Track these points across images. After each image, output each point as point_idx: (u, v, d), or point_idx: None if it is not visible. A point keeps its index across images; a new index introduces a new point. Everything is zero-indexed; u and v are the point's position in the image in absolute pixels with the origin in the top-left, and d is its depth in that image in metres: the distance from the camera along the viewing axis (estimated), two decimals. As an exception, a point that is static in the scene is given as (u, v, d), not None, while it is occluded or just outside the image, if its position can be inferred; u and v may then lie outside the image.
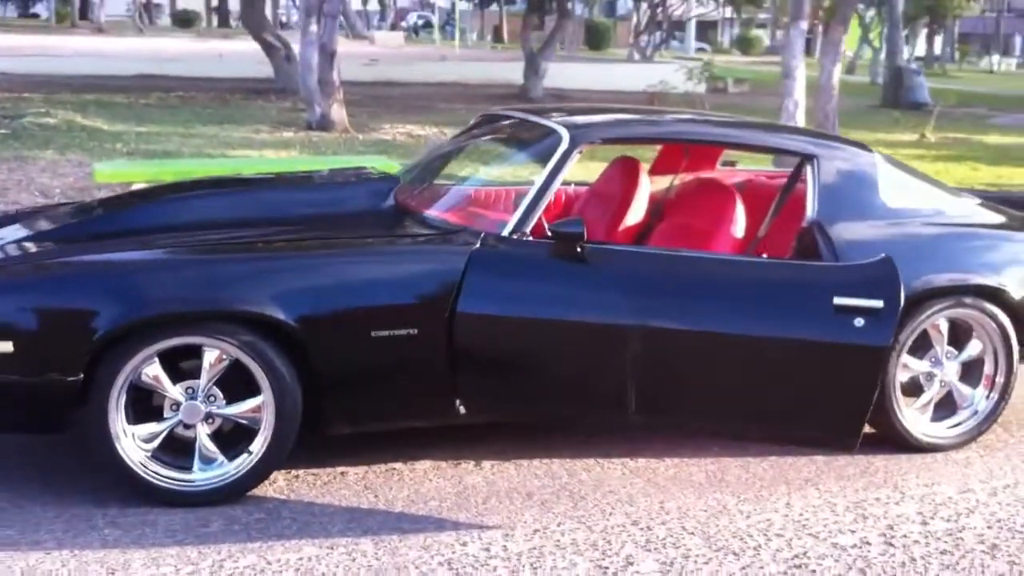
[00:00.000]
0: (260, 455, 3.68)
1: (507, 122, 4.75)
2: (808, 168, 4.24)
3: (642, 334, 3.70)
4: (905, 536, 3.62)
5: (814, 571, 3.35)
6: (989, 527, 3.72)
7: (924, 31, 43.65)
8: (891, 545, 3.55)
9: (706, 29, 64.34)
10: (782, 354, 3.62)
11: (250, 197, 4.45)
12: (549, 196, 3.98)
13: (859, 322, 3.54)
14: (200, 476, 3.68)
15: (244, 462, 3.69)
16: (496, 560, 3.36)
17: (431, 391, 3.83)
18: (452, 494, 3.84)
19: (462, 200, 4.52)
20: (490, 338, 3.77)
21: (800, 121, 9.45)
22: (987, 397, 4.39)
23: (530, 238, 3.88)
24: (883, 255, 3.68)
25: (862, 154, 4.40)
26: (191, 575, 3.19)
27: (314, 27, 12.32)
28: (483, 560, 3.35)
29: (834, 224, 4.12)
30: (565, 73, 20.67)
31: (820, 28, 25.92)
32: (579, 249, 3.75)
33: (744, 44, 55.94)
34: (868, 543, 3.56)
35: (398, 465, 4.05)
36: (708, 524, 3.64)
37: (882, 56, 26.12)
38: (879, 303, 3.54)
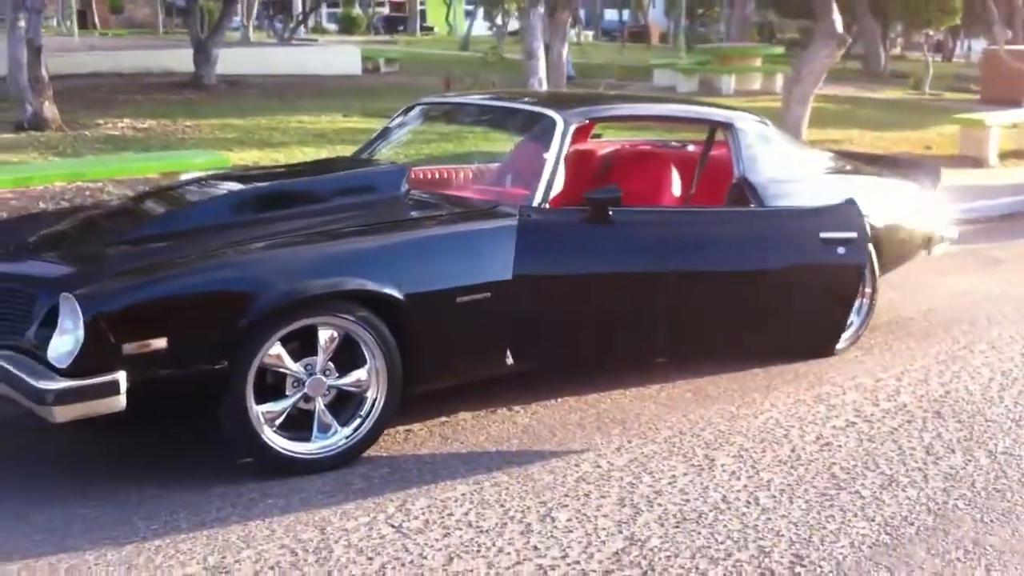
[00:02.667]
0: (374, 418, 4.09)
1: (478, 109, 5.34)
2: (729, 134, 5.19)
3: (668, 278, 4.49)
4: (871, 414, 4.68)
5: (840, 446, 4.32)
6: (917, 399, 4.87)
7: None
8: (869, 421, 4.59)
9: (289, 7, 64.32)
10: (783, 280, 4.56)
11: (277, 190, 4.68)
12: (559, 171, 4.64)
13: (841, 250, 4.56)
14: (318, 444, 4.02)
15: (357, 427, 4.08)
16: (615, 471, 4.03)
17: (491, 346, 4.40)
18: (522, 432, 4.43)
19: (471, 180, 5.05)
20: (540, 295, 4.39)
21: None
22: (862, 308, 5.57)
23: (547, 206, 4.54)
24: (848, 198, 4.72)
25: (760, 121, 5.42)
26: (370, 524, 3.59)
27: (22, 22, 11.68)
28: (605, 473, 4.01)
29: (755, 178, 5.10)
30: (228, 60, 20.48)
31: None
32: (609, 213, 4.46)
33: (348, 23, 56.85)
34: (853, 423, 4.58)
35: (463, 415, 4.56)
36: (738, 423, 4.51)
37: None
38: (853, 234, 4.58)
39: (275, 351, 3.86)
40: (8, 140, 11.34)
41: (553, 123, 4.72)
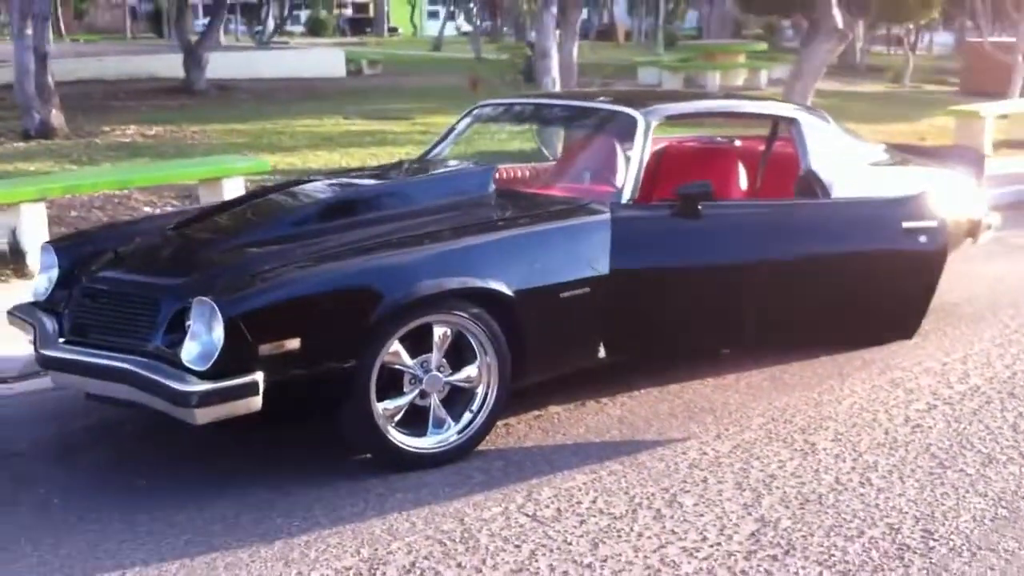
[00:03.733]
0: (486, 412, 4.18)
1: (556, 110, 5.46)
2: (793, 128, 5.32)
3: (759, 270, 4.62)
4: (949, 396, 4.83)
5: (930, 428, 4.46)
6: (988, 381, 5.03)
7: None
8: (950, 403, 4.75)
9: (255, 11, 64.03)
10: (867, 268, 4.71)
11: (372, 192, 4.74)
12: (643, 167, 4.75)
13: (922, 239, 4.71)
14: (434, 440, 4.12)
15: (469, 421, 4.17)
16: (723, 458, 4.15)
17: (587, 340, 4.50)
18: (618, 423, 4.54)
19: (553, 178, 5.15)
20: (634, 288, 4.50)
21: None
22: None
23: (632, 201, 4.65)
24: (924, 190, 4.87)
25: (820, 116, 5.56)
26: (505, 513, 3.69)
27: (29, 30, 11.63)
28: (714, 460, 4.13)
29: (821, 170, 5.24)
30: (214, 64, 20.44)
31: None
32: (699, 207, 4.58)
33: (316, 25, 56.73)
34: (934, 405, 4.73)
35: (554, 408, 4.67)
36: (824, 409, 4.65)
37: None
38: (934, 223, 4.74)
39: (394, 349, 3.95)
40: (20, 149, 11.32)
41: (634, 121, 4.84)
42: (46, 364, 4.00)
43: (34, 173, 9.83)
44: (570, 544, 3.46)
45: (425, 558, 3.37)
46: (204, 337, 3.65)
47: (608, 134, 5.12)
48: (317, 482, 3.94)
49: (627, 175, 4.70)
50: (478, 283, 4.05)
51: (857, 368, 5.21)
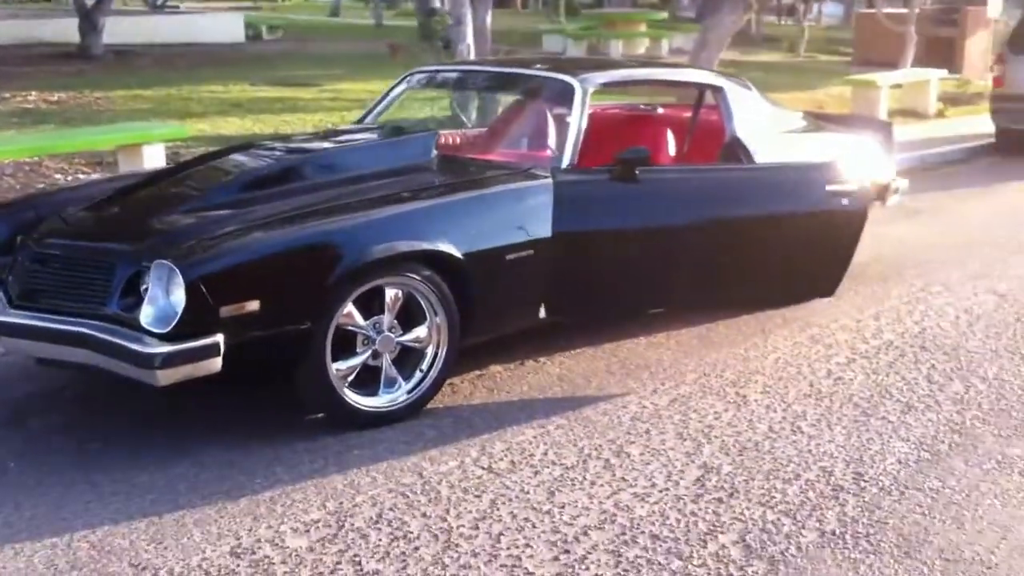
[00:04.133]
0: (436, 371, 4.31)
1: (490, 75, 5.56)
2: (719, 96, 5.53)
3: (693, 232, 4.84)
4: (866, 351, 5.12)
5: (851, 380, 4.74)
6: (900, 336, 5.35)
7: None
8: (867, 357, 5.04)
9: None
10: (794, 229, 4.97)
11: (321, 157, 4.80)
12: (581, 133, 4.90)
13: (844, 201, 4.98)
14: (385, 399, 4.24)
15: (419, 380, 4.30)
16: (663, 410, 4.35)
17: (529, 301, 4.66)
18: (558, 381, 4.72)
19: (491, 144, 5.27)
20: (574, 250, 4.66)
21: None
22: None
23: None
24: (845, 154, 5.13)
25: (744, 84, 5.79)
26: (461, 467, 3.84)
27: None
28: (654, 412, 4.33)
29: (745, 136, 5.47)
30: (109, 28, 19.90)
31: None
32: (636, 172, 4.76)
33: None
34: (853, 359, 5.01)
35: (495, 367, 4.82)
36: (751, 364, 4.90)
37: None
38: (853, 186, 5.01)
39: (347, 311, 4.05)
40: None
41: (572, 88, 4.98)
42: (-4, 329, 3.99)
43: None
44: (527, 493, 3.62)
45: (390, 509, 3.50)
46: (162, 300, 3.70)
47: (546, 101, 5.26)
48: (274, 442, 4.03)
49: (566, 141, 4.85)
50: (429, 246, 4.17)
51: (778, 325, 5.48)
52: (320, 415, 4.19)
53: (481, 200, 4.49)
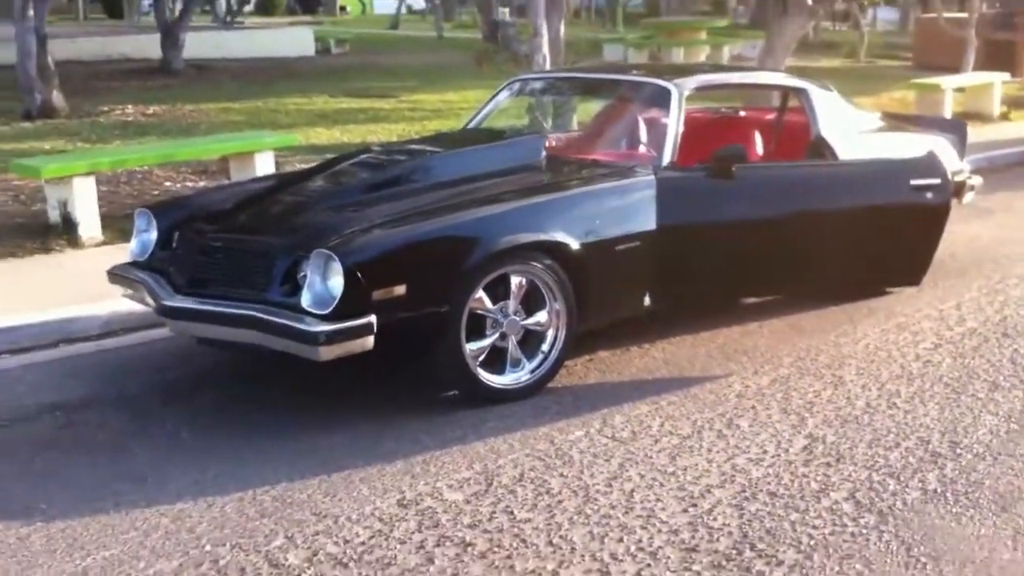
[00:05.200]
0: (555, 353, 4.72)
1: (590, 82, 6.00)
2: (803, 98, 5.90)
3: (788, 225, 5.22)
4: (951, 337, 5.45)
5: (939, 363, 5.07)
6: (982, 324, 5.66)
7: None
8: (952, 343, 5.36)
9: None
10: (884, 222, 5.32)
11: (443, 159, 5.24)
12: (679, 133, 5.29)
13: (929, 195, 5.33)
14: (510, 378, 4.65)
15: (541, 361, 4.71)
16: (765, 389, 4.72)
17: (636, 290, 5.06)
18: (664, 364, 5.10)
19: (593, 145, 5.69)
20: (676, 242, 5.05)
21: (548, 72, 11.08)
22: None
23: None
24: (929, 150, 5.47)
25: (826, 87, 6.15)
26: (587, 436, 4.23)
27: (31, 11, 11.89)
28: (757, 391, 4.70)
29: (830, 135, 5.82)
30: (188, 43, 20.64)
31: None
32: (733, 168, 5.14)
33: (267, 4, 56.48)
34: (939, 344, 5.34)
35: (603, 353, 5.21)
36: (843, 350, 5.25)
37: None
38: (938, 180, 5.36)
39: (479, 296, 4.47)
40: (28, 129, 11.61)
41: (669, 92, 5.38)
42: (169, 314, 4.46)
43: (49, 151, 10.16)
44: (651, 458, 4.01)
45: (530, 470, 3.90)
46: (319, 285, 4.15)
47: (644, 105, 5.67)
48: (415, 416, 4.45)
49: (665, 141, 5.24)
50: (550, 237, 4.58)
51: (864, 315, 5.81)
52: (449, 393, 4.60)
53: (593, 196, 4.90)
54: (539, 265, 4.59)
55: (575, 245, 4.66)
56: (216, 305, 4.35)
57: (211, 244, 4.58)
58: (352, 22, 43.92)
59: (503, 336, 4.59)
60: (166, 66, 18.58)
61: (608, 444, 4.15)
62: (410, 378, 4.78)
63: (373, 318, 4.12)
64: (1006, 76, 15.33)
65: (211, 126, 11.88)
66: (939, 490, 3.72)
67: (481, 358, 4.55)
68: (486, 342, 4.55)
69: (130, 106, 13.32)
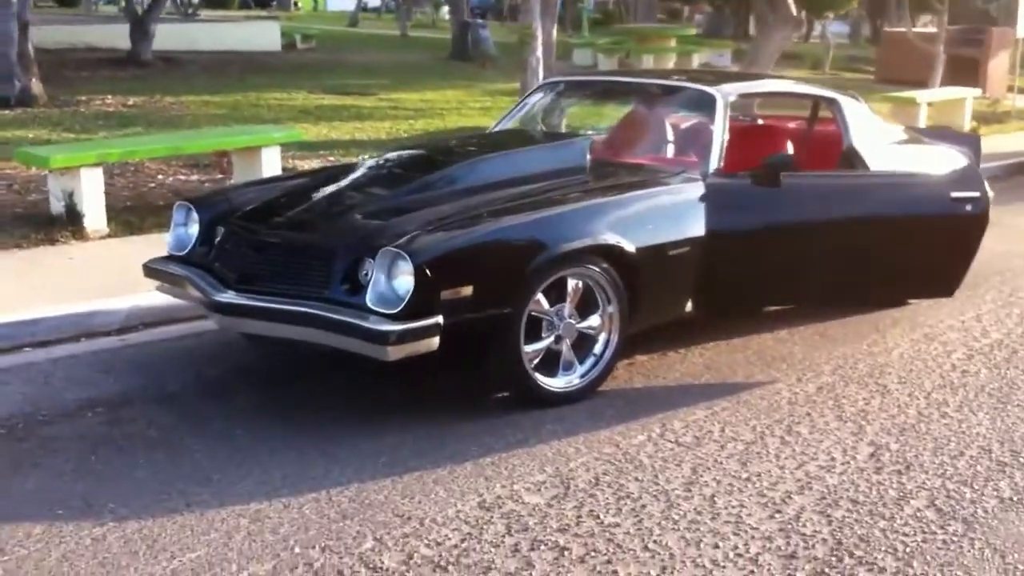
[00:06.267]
0: (607, 357, 4.69)
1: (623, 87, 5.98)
2: (835, 108, 5.93)
3: (830, 234, 5.24)
4: (980, 348, 5.51)
5: (976, 372, 5.12)
6: (1007, 335, 5.74)
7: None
8: (983, 353, 5.43)
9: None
10: (923, 234, 5.36)
11: (492, 161, 5.16)
12: (725, 139, 5.28)
13: (968, 207, 5.39)
14: (563, 380, 4.61)
15: (592, 364, 4.67)
16: (814, 396, 4.73)
17: (680, 294, 5.05)
18: (705, 369, 5.10)
19: (636, 149, 5.66)
20: (722, 249, 5.05)
21: (540, 73, 11.04)
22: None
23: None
24: (967, 163, 5.53)
25: (855, 97, 6.19)
26: (651, 440, 4.22)
27: (13, -2, 11.63)
28: (807, 398, 4.72)
29: (861, 146, 5.86)
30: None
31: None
32: (780, 176, 5.15)
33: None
34: (971, 355, 5.41)
35: (640, 357, 5.20)
36: (878, 359, 5.28)
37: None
38: (977, 193, 5.42)
39: (537, 298, 4.43)
40: (8, 117, 11.32)
41: (714, 98, 5.38)
42: (223, 310, 4.35)
43: (33, 140, 9.93)
44: (721, 463, 4.00)
45: (604, 474, 3.87)
46: (384, 284, 4.08)
47: (689, 110, 5.67)
48: (472, 418, 4.39)
49: (711, 146, 5.23)
50: (607, 241, 4.55)
51: (890, 325, 5.86)
52: (500, 395, 4.55)
53: (647, 200, 4.88)
54: (596, 268, 4.55)
55: (631, 249, 4.63)
56: (271, 302, 4.25)
57: (266, 240, 4.48)
58: (306, 18, 43.47)
59: (558, 339, 4.55)
60: (135, 57, 18.29)
61: (674, 449, 4.13)
62: (443, 381, 4.73)
63: (440, 318, 4.05)
64: (977, 92, 15.62)
65: (195, 119, 11.69)
66: (1015, 498, 3.75)
67: (536, 360, 4.50)
68: (542, 345, 4.51)
69: (109, 96, 13.07)
